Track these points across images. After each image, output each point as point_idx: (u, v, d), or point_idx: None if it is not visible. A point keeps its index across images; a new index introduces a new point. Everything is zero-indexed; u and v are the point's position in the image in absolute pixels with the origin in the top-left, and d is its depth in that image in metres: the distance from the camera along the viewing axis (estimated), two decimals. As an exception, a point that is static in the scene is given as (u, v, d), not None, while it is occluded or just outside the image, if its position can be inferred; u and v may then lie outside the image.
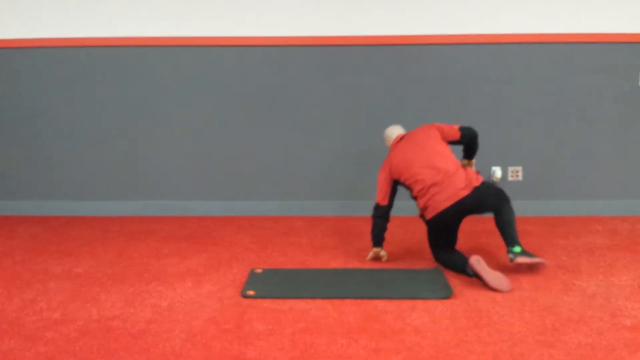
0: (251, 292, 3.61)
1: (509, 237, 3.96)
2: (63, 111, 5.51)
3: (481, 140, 5.37)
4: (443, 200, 4.00)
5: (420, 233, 4.90)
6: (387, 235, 4.84)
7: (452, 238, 4.21)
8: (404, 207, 5.41)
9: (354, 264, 4.19)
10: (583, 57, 5.30)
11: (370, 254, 4.32)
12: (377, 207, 4.32)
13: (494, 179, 5.37)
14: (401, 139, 4.38)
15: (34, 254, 4.45)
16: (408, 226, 5.10)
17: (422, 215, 4.28)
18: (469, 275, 3.80)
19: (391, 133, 4.52)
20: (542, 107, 5.37)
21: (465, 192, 3.99)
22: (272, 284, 3.76)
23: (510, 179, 5.43)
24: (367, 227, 5.07)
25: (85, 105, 5.49)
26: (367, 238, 4.77)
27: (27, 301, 3.54)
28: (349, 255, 4.37)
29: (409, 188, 4.23)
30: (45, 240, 4.80)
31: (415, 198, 4.21)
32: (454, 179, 4.03)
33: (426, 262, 4.21)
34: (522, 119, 5.38)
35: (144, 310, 3.41)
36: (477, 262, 3.72)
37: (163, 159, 5.54)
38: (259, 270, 4.02)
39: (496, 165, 5.41)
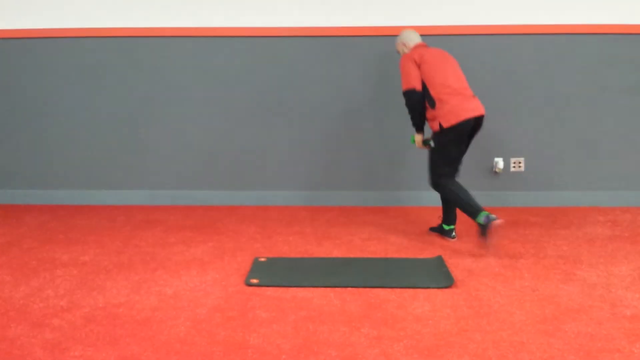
0: (255, 281, 3.64)
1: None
2: (70, 101, 5.55)
3: (484, 132, 5.42)
4: (469, 109, 4.19)
5: (421, 223, 4.93)
6: (389, 224, 4.90)
7: (460, 160, 4.37)
8: (405, 198, 5.45)
9: (356, 254, 4.21)
10: (587, 48, 5.30)
11: (418, 139, 4.49)
12: (414, 92, 4.30)
13: (496, 170, 5.40)
14: (426, 46, 4.47)
15: (41, 242, 4.49)
16: (409, 216, 5.13)
17: (430, 140, 4.40)
18: (479, 224, 4.10)
19: (413, 36, 4.59)
20: (544, 98, 5.38)
21: (482, 111, 4.27)
22: (275, 273, 3.79)
23: (512, 169, 5.45)
24: (370, 217, 5.11)
25: (92, 96, 5.53)
26: (371, 228, 4.81)
27: (34, 288, 3.58)
28: (352, 245, 4.40)
29: (426, 88, 4.30)
30: (52, 229, 4.84)
31: (432, 105, 4.27)
32: (476, 98, 4.32)
33: (428, 251, 4.23)
34: (525, 110, 5.39)
35: (150, 297, 3.44)
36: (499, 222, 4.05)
37: (169, 149, 5.57)
38: (262, 259, 4.05)
39: (498, 156, 5.43)
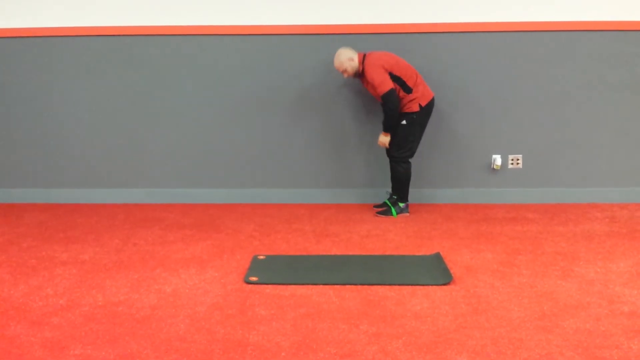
0: (254, 278, 3.65)
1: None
2: (68, 100, 5.54)
3: (483, 128, 5.44)
4: (430, 92, 5.07)
5: (420, 220, 4.94)
6: (387, 222, 4.92)
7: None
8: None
9: (355, 251, 4.23)
10: (584, 45, 5.31)
11: (383, 138, 5.07)
12: (393, 92, 4.87)
13: (495, 167, 5.42)
14: (371, 53, 5.04)
15: (40, 241, 4.49)
16: (408, 214, 5.15)
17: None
18: (397, 204, 5.11)
19: (354, 54, 5.04)
20: (542, 95, 5.38)
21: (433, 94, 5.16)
22: (274, 270, 3.81)
23: (510, 166, 5.46)
24: (369, 215, 5.12)
25: (89, 94, 5.52)
26: (369, 225, 4.82)
27: (34, 287, 3.59)
28: (350, 242, 4.41)
29: (399, 80, 4.94)
30: (51, 228, 4.85)
31: (409, 91, 4.96)
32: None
33: (426, 249, 4.25)
34: (523, 107, 5.40)
35: (149, 296, 3.45)
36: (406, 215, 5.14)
37: (168, 147, 5.58)
38: (261, 257, 4.07)
39: (497, 153, 5.44)
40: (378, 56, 4.95)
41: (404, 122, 4.99)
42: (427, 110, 5.02)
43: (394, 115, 4.92)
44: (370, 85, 4.97)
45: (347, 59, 4.98)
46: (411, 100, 4.95)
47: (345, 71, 5.02)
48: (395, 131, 5.04)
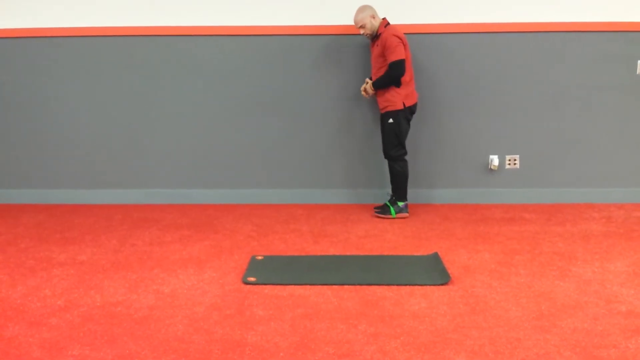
0: (252, 279, 3.66)
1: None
2: (66, 101, 5.54)
3: (480, 129, 5.44)
4: (416, 95, 5.09)
5: (418, 221, 4.95)
6: (385, 222, 4.92)
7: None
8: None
9: (353, 251, 4.23)
10: (581, 46, 5.32)
11: (368, 88, 5.06)
12: (403, 63, 4.83)
13: (492, 167, 5.42)
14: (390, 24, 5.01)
15: (38, 242, 4.49)
16: (407, 214, 5.15)
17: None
18: (396, 204, 5.06)
19: (377, 14, 4.99)
20: (539, 96, 5.39)
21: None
22: (272, 271, 3.81)
23: (507, 166, 5.47)
24: (366, 215, 5.13)
25: (87, 95, 5.52)
26: (367, 225, 4.83)
27: (32, 288, 3.59)
28: (348, 243, 4.42)
29: None
30: (49, 228, 4.84)
31: (399, 84, 4.92)
32: None
33: (424, 249, 4.25)
34: (520, 107, 5.41)
35: (147, 296, 3.45)
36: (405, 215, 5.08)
37: (166, 148, 5.57)
38: (259, 257, 4.07)
39: (494, 153, 5.45)
40: (401, 34, 4.87)
41: (390, 120, 4.97)
42: (410, 110, 5.02)
43: (392, 82, 4.87)
44: (380, 49, 4.89)
45: (370, 15, 4.90)
46: (394, 96, 4.91)
47: (363, 26, 4.92)
48: (384, 130, 5.05)
